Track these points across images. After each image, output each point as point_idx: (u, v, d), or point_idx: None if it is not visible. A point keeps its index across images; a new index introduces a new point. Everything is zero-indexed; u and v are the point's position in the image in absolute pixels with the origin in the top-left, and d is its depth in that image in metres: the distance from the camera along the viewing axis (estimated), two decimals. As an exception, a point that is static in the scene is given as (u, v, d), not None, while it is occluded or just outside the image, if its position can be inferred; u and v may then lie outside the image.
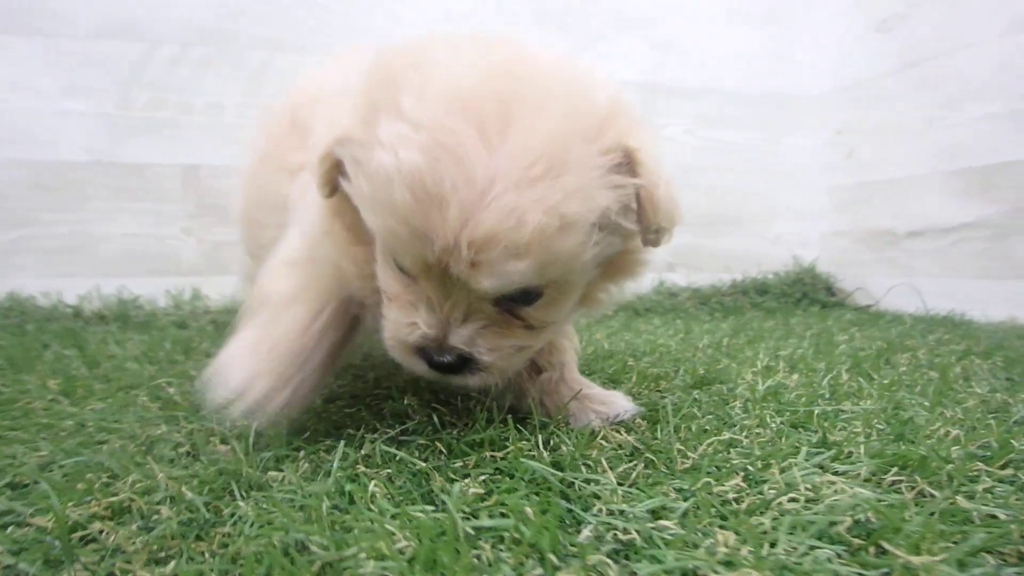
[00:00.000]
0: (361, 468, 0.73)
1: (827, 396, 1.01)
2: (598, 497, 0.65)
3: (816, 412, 0.89)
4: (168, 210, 2.10)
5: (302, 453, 0.78)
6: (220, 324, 1.95)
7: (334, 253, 0.79)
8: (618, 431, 0.85)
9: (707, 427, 0.86)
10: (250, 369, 0.76)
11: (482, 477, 0.70)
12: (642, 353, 1.42)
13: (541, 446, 0.77)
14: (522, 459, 0.71)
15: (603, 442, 0.81)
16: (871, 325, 1.91)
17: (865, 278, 2.40)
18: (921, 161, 2.19)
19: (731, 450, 0.76)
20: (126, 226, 2.07)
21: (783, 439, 0.80)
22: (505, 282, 0.66)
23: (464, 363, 0.73)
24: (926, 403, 0.97)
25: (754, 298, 2.39)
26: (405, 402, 0.96)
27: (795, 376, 1.14)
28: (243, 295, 1.52)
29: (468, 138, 0.62)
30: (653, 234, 0.74)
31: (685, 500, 0.63)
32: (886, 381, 1.12)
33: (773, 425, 0.85)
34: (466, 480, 0.69)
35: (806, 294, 2.43)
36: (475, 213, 0.62)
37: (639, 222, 0.72)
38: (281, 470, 0.73)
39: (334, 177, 0.73)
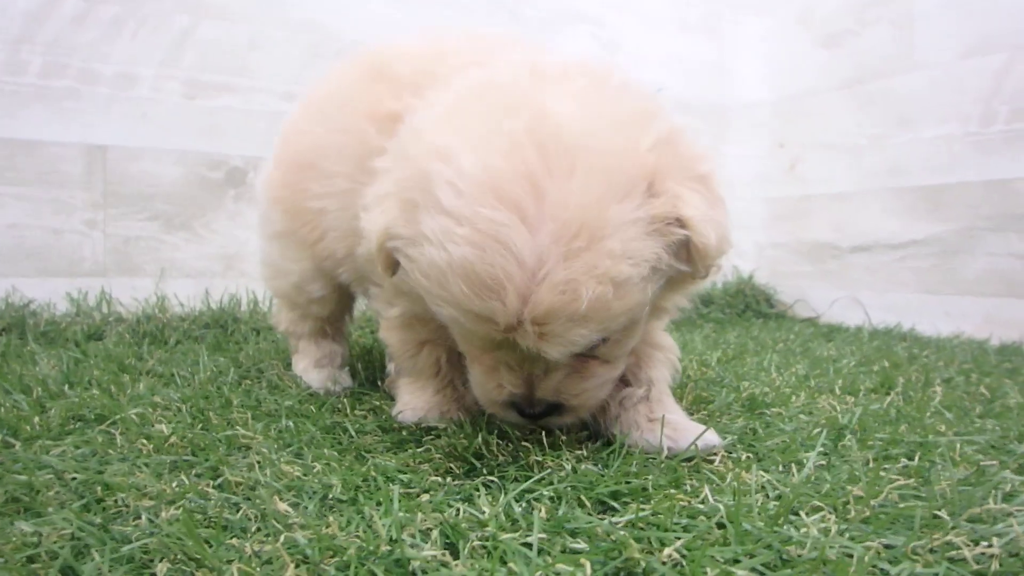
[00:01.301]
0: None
1: (903, 422, 0.97)
2: None
3: (935, 449, 0.83)
4: (67, 198, 1.77)
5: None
6: (142, 334, 1.66)
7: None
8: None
9: (841, 466, 0.77)
10: (421, 407, 0.94)
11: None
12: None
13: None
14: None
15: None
16: (832, 338, 1.94)
17: (805, 290, 2.47)
18: (866, 178, 2.27)
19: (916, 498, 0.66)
20: (14, 215, 1.72)
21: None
22: (572, 348, 0.71)
23: (553, 408, 0.79)
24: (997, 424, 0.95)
25: (700, 308, 2.39)
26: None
27: (850, 400, 1.09)
28: (280, 316, 1.30)
29: (509, 223, 0.65)
30: (704, 271, 0.78)
31: None
32: (934, 403, 1.10)
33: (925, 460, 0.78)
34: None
35: (749, 306, 2.46)
36: (531, 294, 0.66)
37: (690, 264, 0.76)
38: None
39: (393, 261, 0.77)
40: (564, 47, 2.39)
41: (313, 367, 1.22)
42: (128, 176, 1.82)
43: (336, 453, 0.80)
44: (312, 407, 1.02)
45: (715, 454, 0.81)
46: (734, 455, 0.82)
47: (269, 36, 1.94)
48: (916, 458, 0.79)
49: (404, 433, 0.88)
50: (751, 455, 0.82)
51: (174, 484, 0.68)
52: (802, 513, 0.62)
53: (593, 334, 0.69)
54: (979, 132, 1.98)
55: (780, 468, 0.77)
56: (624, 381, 0.88)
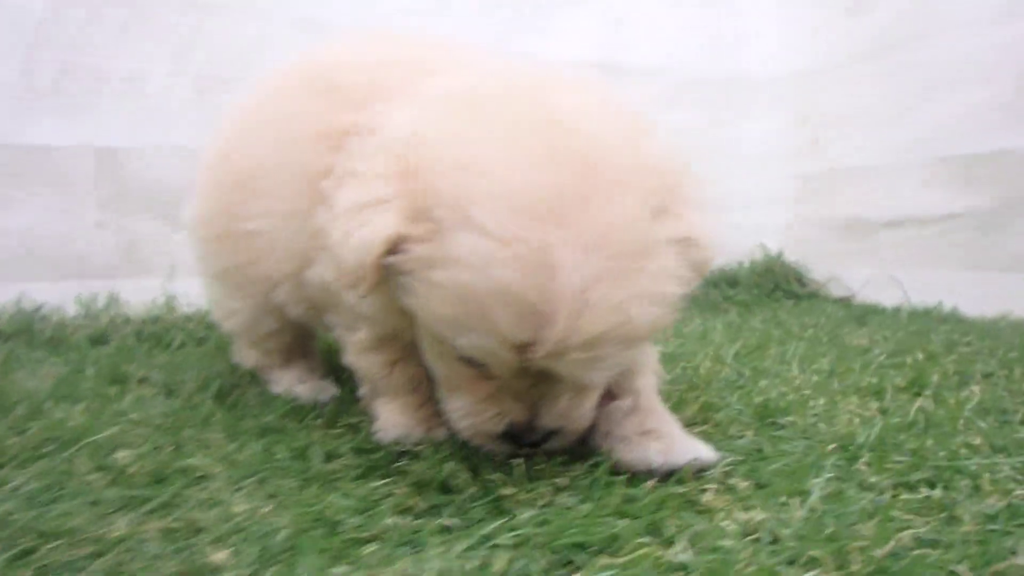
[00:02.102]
0: None
1: (932, 435, 0.87)
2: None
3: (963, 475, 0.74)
4: (78, 200, 1.76)
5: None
6: (146, 336, 1.65)
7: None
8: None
9: (852, 497, 0.69)
10: (403, 424, 0.87)
11: None
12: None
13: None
14: None
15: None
16: (866, 322, 1.83)
17: (838, 268, 2.34)
18: (897, 149, 2.13)
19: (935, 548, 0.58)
20: (27, 219, 1.71)
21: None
22: (614, 371, 0.71)
23: (551, 434, 0.75)
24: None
25: (725, 290, 2.28)
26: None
27: (874, 406, 1.00)
28: (244, 354, 1.23)
29: (558, 244, 0.61)
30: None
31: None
32: (968, 407, 1.00)
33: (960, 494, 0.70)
34: None
35: (778, 285, 2.35)
36: (581, 319, 0.62)
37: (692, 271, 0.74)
38: None
39: (378, 279, 0.69)
40: (568, 26, 2.28)
41: (296, 383, 1.15)
42: (137, 176, 1.80)
43: (298, 483, 0.75)
44: (292, 423, 0.97)
45: (707, 481, 0.74)
46: (732, 481, 0.74)
47: (274, 33, 1.88)
48: (939, 486, 0.70)
49: (377, 456, 0.83)
50: (751, 482, 0.74)
51: (115, 528, 0.63)
52: (796, 565, 0.55)
53: (634, 354, 0.70)
54: (1014, 99, 1.82)
55: (783, 499, 0.69)
56: (609, 394, 0.81)
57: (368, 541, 0.61)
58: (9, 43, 1.65)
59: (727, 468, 0.78)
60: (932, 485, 0.71)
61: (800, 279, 2.41)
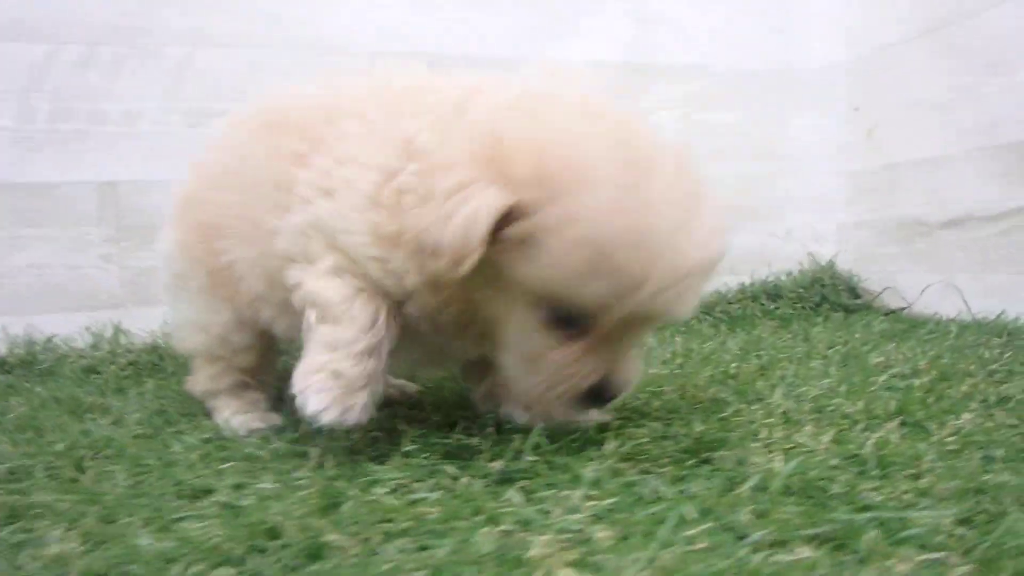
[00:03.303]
0: None
1: (877, 477, 0.71)
2: None
3: (868, 529, 0.59)
4: (83, 235, 1.82)
5: None
6: (141, 366, 1.67)
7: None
8: None
9: (707, 555, 0.56)
10: (329, 391, 0.80)
11: None
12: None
13: None
14: None
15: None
16: (908, 337, 1.60)
17: (894, 276, 2.08)
18: (956, 138, 1.87)
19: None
20: (34, 255, 1.79)
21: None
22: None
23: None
24: (1015, 491, 0.67)
25: (766, 305, 2.08)
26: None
27: (825, 438, 0.83)
28: (196, 376, 1.22)
29: (656, 190, 0.72)
30: None
31: None
32: (951, 439, 0.82)
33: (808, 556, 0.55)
34: None
35: (826, 297, 2.12)
36: (683, 252, 0.72)
37: None
38: None
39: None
40: (594, 27, 2.18)
41: (236, 414, 1.13)
42: (139, 210, 1.85)
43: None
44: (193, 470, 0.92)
45: (568, 529, 0.63)
46: (595, 528, 0.62)
47: (269, 58, 1.90)
48: (830, 545, 0.55)
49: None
50: (616, 532, 0.62)
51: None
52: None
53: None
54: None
55: (633, 556, 0.56)
56: (491, 367, 0.94)
57: None
58: (5, 89, 1.74)
59: (597, 513, 0.66)
60: (825, 542, 0.56)
61: (853, 289, 2.17)
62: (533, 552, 0.58)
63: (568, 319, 0.77)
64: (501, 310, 0.81)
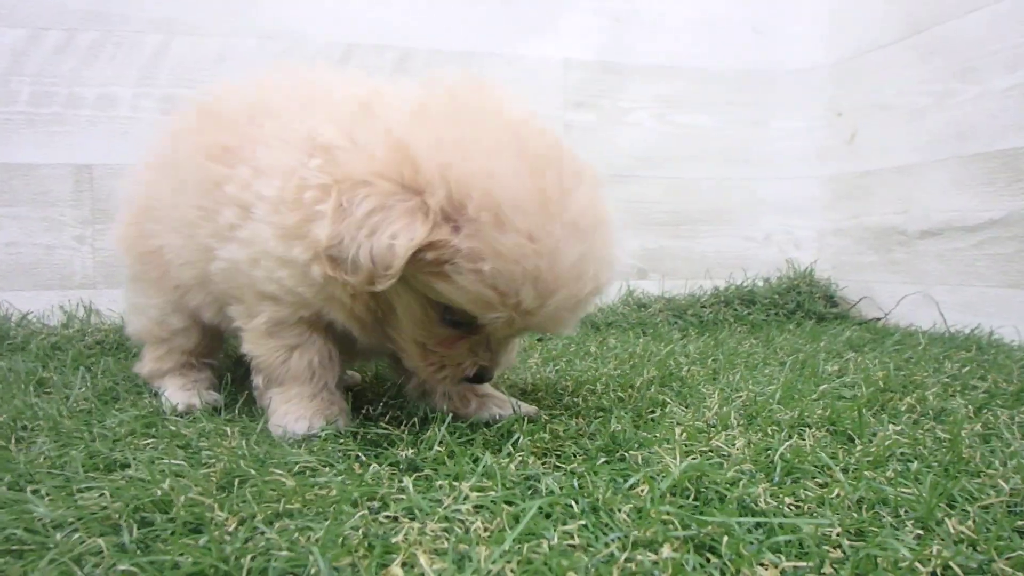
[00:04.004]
0: None
1: (773, 480, 0.70)
2: None
3: (743, 535, 0.58)
4: (58, 216, 1.83)
5: None
6: (107, 345, 1.68)
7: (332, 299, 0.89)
8: None
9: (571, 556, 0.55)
10: (300, 416, 0.95)
11: None
12: (562, 391, 1.12)
13: None
14: None
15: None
16: (875, 347, 1.58)
17: (872, 286, 2.06)
18: (932, 145, 1.84)
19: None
20: (10, 234, 1.81)
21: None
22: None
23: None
24: (918, 504, 0.65)
25: (738, 310, 2.06)
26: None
27: (740, 442, 0.82)
28: (143, 359, 1.26)
29: (559, 237, 0.77)
30: None
31: None
32: (872, 450, 0.81)
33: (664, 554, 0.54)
34: None
35: (801, 304, 2.10)
36: (574, 288, 0.80)
37: None
38: None
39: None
40: (568, 25, 2.16)
41: (179, 389, 1.16)
42: (114, 193, 1.85)
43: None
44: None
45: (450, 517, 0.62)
46: (474, 519, 0.61)
47: (238, 47, 1.91)
48: (693, 547, 0.54)
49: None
50: (493, 525, 0.61)
51: None
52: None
53: None
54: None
55: (484, 550, 0.56)
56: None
57: None
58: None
59: (485, 504, 0.65)
60: (698, 546, 0.55)
61: (830, 298, 2.15)
62: (399, 538, 0.58)
63: (460, 322, 0.86)
64: (402, 302, 0.87)
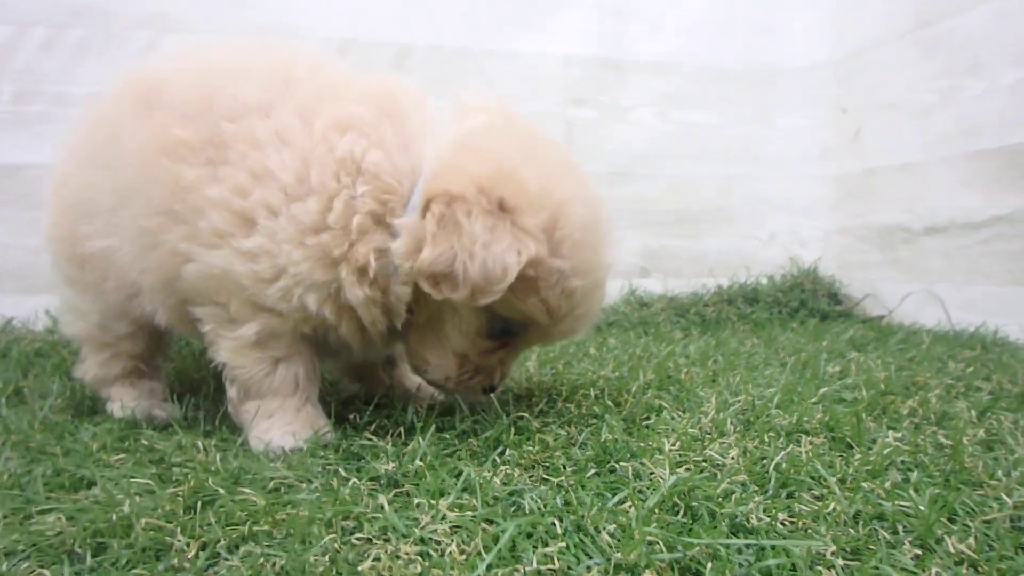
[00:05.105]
0: None
1: (767, 494, 0.67)
2: None
3: (731, 558, 0.54)
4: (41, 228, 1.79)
5: None
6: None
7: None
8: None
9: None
10: (285, 431, 0.90)
11: None
12: (556, 396, 1.08)
13: None
14: None
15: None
16: (878, 346, 1.54)
17: (876, 284, 2.02)
18: (937, 142, 1.80)
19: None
20: (-5, 236, 1.78)
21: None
22: None
23: None
24: (916, 520, 0.62)
25: (742, 308, 2.02)
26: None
27: (735, 452, 0.78)
28: (86, 363, 1.17)
29: (606, 245, 0.89)
30: None
31: None
32: (871, 459, 0.77)
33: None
34: None
35: (804, 303, 2.06)
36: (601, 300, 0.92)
37: None
38: None
39: None
40: (565, 21, 2.12)
41: (132, 401, 1.10)
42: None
43: None
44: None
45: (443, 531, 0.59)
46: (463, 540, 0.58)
47: (231, 42, 1.87)
48: (677, 572, 0.51)
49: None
50: (465, 548, 0.57)
51: None
52: None
53: None
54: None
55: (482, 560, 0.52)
56: (392, 363, 1.15)
57: None
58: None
59: (463, 524, 0.61)
60: (683, 570, 0.51)
61: (834, 296, 2.11)
62: (366, 565, 0.54)
63: (504, 331, 0.89)
64: (458, 315, 0.88)
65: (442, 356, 0.91)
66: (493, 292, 0.79)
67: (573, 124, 2.12)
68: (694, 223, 2.19)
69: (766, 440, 0.85)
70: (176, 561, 0.57)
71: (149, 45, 1.82)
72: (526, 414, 0.99)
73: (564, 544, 0.56)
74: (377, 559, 0.55)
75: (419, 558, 0.56)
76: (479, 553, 0.56)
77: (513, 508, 0.67)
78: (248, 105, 0.88)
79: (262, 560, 0.57)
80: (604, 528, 0.59)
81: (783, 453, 0.75)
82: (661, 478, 0.70)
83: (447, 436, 0.89)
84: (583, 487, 0.70)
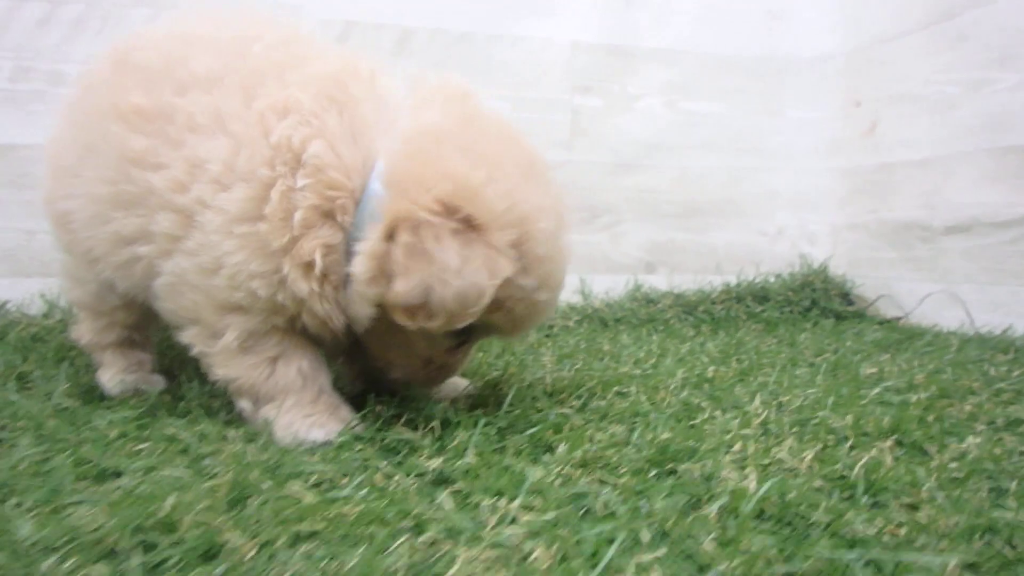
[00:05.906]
0: None
1: (867, 505, 0.62)
2: None
3: (855, 570, 0.50)
4: (39, 199, 1.71)
5: None
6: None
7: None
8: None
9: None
10: (313, 422, 0.86)
11: None
12: (588, 393, 1.03)
13: None
14: None
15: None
16: (904, 348, 1.52)
17: (891, 283, 1.99)
18: (960, 136, 1.77)
19: None
20: (-12, 217, 1.70)
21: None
22: None
23: None
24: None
25: (751, 307, 1.99)
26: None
27: (808, 455, 0.74)
28: (81, 327, 1.17)
29: (561, 269, 0.87)
30: None
31: None
32: (954, 465, 0.73)
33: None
34: None
35: (816, 303, 2.03)
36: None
37: None
38: None
39: None
40: (571, 6, 2.06)
41: (121, 373, 1.11)
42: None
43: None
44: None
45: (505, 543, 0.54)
46: (531, 545, 0.53)
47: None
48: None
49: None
50: (553, 551, 0.53)
51: None
52: None
53: None
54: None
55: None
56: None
57: None
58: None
59: (536, 528, 0.57)
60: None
61: (846, 295, 2.08)
62: (454, 571, 0.49)
63: (468, 332, 0.86)
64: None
65: (406, 358, 0.90)
66: (468, 316, 0.77)
67: (580, 112, 2.06)
68: (701, 216, 2.15)
69: (830, 443, 0.81)
70: (232, 562, 0.52)
71: (147, 22, 1.74)
72: (567, 410, 0.94)
73: (657, 554, 0.52)
74: (452, 562, 0.50)
75: (499, 564, 0.51)
76: (565, 559, 0.52)
77: (583, 512, 0.62)
78: (197, 76, 0.86)
79: (326, 561, 0.52)
80: (694, 536, 0.55)
81: (866, 458, 0.71)
82: (739, 481, 0.66)
83: (490, 431, 0.84)
84: (649, 491, 0.66)
